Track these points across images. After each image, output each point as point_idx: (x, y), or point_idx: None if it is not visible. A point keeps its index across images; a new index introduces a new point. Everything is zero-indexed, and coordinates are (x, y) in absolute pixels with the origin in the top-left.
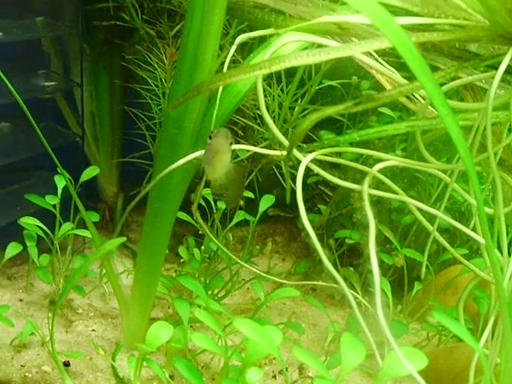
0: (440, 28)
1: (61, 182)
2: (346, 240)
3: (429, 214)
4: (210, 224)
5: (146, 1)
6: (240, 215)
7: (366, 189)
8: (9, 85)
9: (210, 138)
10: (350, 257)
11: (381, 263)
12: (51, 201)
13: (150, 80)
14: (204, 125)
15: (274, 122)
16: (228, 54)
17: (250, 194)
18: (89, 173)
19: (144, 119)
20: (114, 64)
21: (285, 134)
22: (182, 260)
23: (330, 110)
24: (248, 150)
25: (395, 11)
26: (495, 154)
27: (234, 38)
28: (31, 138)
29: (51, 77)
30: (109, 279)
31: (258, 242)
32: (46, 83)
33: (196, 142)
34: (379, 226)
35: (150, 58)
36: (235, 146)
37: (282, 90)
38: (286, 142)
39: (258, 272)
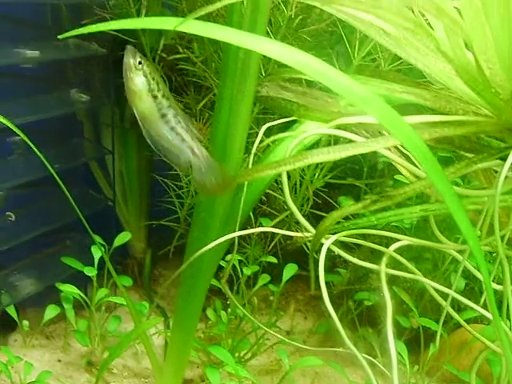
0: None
1: (97, 252)
2: (365, 302)
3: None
4: (235, 288)
5: (174, 74)
6: (264, 278)
7: (383, 269)
8: (43, 158)
9: None
10: (369, 315)
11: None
12: (89, 272)
13: None
14: (233, 208)
15: (296, 191)
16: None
17: (273, 260)
18: (121, 238)
19: (173, 187)
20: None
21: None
22: (209, 322)
23: (351, 208)
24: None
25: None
26: (503, 236)
27: (258, 115)
28: (67, 204)
29: (84, 144)
30: (141, 341)
31: (281, 300)
32: (80, 150)
33: (226, 225)
34: (395, 288)
35: None
36: (263, 229)
37: None
38: (311, 229)
39: (282, 338)
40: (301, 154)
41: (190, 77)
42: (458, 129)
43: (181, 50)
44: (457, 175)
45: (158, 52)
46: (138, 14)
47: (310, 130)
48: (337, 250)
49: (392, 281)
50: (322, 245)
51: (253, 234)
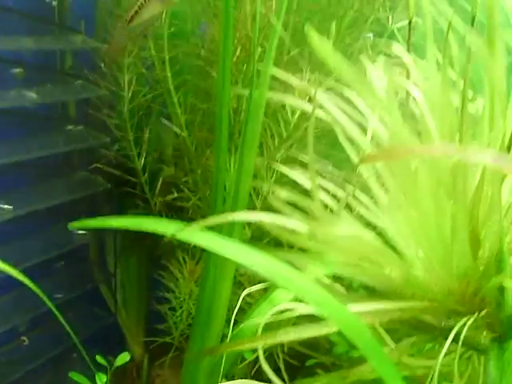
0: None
1: (101, 379)
2: None
3: None
4: None
5: (170, 212)
6: None
7: None
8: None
9: None
10: None
11: None
12: None
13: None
14: (217, 365)
15: None
16: None
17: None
18: (122, 359)
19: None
20: (142, 253)
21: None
22: None
23: None
24: None
25: None
26: None
27: None
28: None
29: (92, 267)
30: None
31: None
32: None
33: (210, 378)
34: None
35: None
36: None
37: None
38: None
39: None
40: (272, 333)
41: (186, 214)
42: (408, 312)
43: (175, 192)
44: (400, 357)
45: (156, 192)
46: (139, 156)
47: (282, 298)
48: None
49: None
50: None
51: None
